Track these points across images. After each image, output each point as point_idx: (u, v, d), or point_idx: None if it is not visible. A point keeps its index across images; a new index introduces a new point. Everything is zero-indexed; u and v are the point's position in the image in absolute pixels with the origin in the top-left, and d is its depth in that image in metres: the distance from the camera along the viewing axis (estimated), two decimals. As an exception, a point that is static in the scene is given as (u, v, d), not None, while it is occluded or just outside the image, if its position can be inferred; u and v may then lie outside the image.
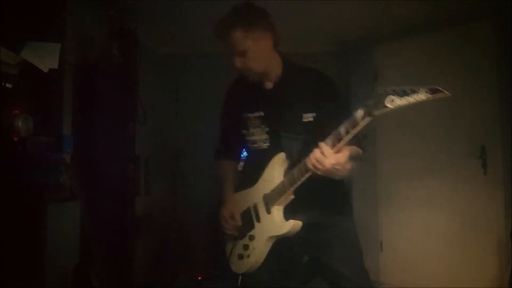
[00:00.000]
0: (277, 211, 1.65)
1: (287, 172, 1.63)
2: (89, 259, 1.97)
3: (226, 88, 1.91)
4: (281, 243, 1.69)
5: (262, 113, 1.73)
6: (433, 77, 3.17)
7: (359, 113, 1.33)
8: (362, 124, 1.33)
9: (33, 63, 1.56)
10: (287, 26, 3.36)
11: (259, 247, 1.69)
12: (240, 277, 1.78)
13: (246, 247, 1.74)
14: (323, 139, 1.44)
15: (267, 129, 1.73)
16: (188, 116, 3.97)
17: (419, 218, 3.37)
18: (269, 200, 1.67)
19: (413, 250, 3.34)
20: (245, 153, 1.94)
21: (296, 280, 2.93)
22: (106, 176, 2.51)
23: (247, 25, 1.61)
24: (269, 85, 1.74)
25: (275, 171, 1.67)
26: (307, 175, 1.52)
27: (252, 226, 1.73)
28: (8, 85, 1.45)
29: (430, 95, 1.19)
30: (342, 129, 1.39)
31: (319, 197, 1.69)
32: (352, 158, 1.48)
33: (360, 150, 1.60)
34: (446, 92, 1.18)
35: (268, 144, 1.73)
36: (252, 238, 1.72)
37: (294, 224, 1.60)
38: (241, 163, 1.98)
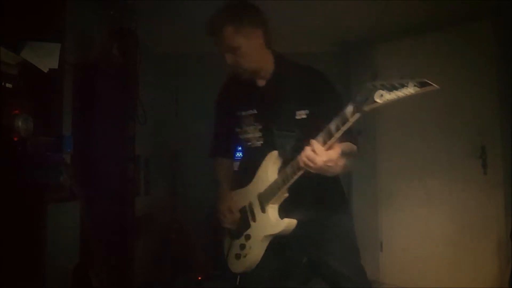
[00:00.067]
0: (272, 209, 1.64)
1: (281, 170, 1.62)
2: (89, 259, 1.97)
3: (219, 86, 1.91)
4: (279, 242, 1.69)
5: (255, 111, 1.73)
6: (433, 77, 3.16)
7: (349, 109, 1.32)
8: (352, 120, 1.33)
9: (33, 63, 1.56)
10: (288, 26, 3.38)
11: (255, 247, 1.69)
12: (238, 277, 1.78)
13: (242, 246, 1.74)
14: (316, 136, 1.44)
15: (260, 127, 1.72)
16: (188, 116, 3.97)
17: (419, 218, 3.37)
18: (263, 199, 1.66)
19: (413, 250, 3.35)
20: (240, 154, 1.94)
21: (296, 280, 2.93)
22: (106, 176, 2.51)
23: (238, 22, 1.60)
24: (261, 82, 1.74)
25: (269, 170, 1.66)
26: (300, 173, 1.51)
27: (248, 226, 1.73)
28: (8, 85, 1.45)
29: (418, 89, 1.17)
30: (332, 126, 1.38)
31: (314, 195, 1.68)
32: (345, 154, 1.47)
33: (354, 146, 1.59)
34: (435, 85, 1.16)
35: (262, 142, 1.73)
36: (248, 237, 1.72)
37: (289, 223, 1.60)
38: (237, 163, 1.98)
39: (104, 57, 2.65)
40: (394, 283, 3.45)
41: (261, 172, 1.70)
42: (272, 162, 1.66)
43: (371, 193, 3.72)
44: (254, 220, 1.71)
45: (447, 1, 2.82)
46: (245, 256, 1.72)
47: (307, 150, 1.43)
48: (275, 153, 1.66)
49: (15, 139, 1.42)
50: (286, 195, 1.62)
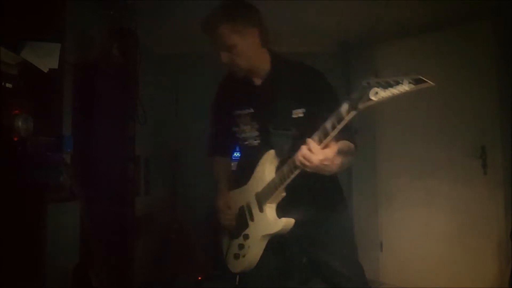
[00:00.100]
0: (270, 209, 1.64)
1: (278, 169, 1.62)
2: (89, 259, 1.97)
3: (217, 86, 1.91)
4: (277, 242, 1.69)
5: (252, 110, 1.73)
6: (433, 77, 3.16)
7: (344, 107, 1.32)
8: (347, 118, 1.32)
9: (33, 63, 1.56)
10: (287, 26, 3.38)
11: (253, 246, 1.69)
12: (237, 277, 1.78)
13: (241, 246, 1.74)
14: (312, 134, 1.43)
15: (257, 126, 1.72)
16: (188, 116, 3.97)
17: (419, 218, 3.37)
18: (261, 198, 1.66)
19: (413, 250, 3.35)
20: (237, 154, 1.94)
21: (296, 280, 2.93)
22: (106, 176, 2.51)
23: (234, 20, 1.60)
24: (258, 81, 1.74)
25: (266, 169, 1.66)
26: (297, 172, 1.50)
27: (246, 225, 1.73)
28: (8, 85, 1.45)
29: (413, 86, 1.16)
30: (328, 124, 1.37)
31: (311, 194, 1.68)
32: (342, 152, 1.46)
33: (351, 145, 1.58)
34: (430, 82, 1.15)
35: (259, 141, 1.73)
36: (246, 237, 1.72)
37: (286, 222, 1.60)
38: (235, 163, 1.98)
39: (104, 57, 2.65)
40: (394, 283, 3.45)
41: (258, 171, 1.70)
42: (269, 161, 1.66)
43: (371, 193, 3.72)
44: (252, 219, 1.71)
45: (447, 1, 2.82)
46: (243, 256, 1.72)
47: (303, 149, 1.42)
48: (272, 152, 1.65)
49: (15, 139, 1.42)
50: (284, 194, 1.61)
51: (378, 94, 1.22)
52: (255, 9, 1.68)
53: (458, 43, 3.17)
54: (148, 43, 3.42)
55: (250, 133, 1.74)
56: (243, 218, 1.74)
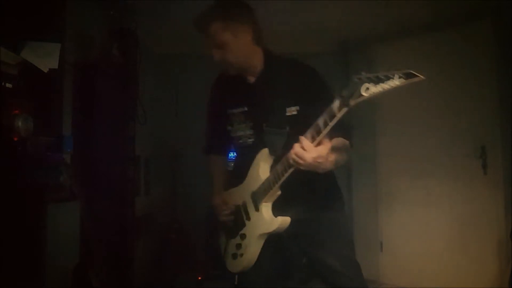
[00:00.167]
0: (266, 208, 1.63)
1: (273, 167, 1.61)
2: (89, 259, 1.97)
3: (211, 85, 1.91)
4: (274, 240, 1.68)
5: (245, 108, 1.72)
6: (433, 77, 3.16)
7: (336, 104, 1.31)
8: (339, 115, 1.31)
9: (33, 63, 1.56)
10: (287, 26, 3.38)
11: (251, 245, 1.68)
12: (236, 276, 1.78)
13: (238, 246, 1.73)
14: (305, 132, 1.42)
15: (251, 124, 1.71)
16: (188, 116, 3.97)
17: (419, 218, 3.37)
18: (257, 198, 1.66)
19: (413, 250, 3.35)
20: (233, 154, 1.94)
21: (296, 280, 2.93)
22: (106, 176, 2.51)
23: (226, 17, 1.60)
24: (251, 79, 1.73)
25: (260, 168, 1.65)
26: (291, 170, 1.49)
27: (243, 225, 1.72)
28: (8, 85, 1.45)
29: (404, 80, 1.16)
30: (320, 122, 1.36)
31: (307, 192, 1.68)
32: (337, 149, 1.45)
33: (346, 142, 1.57)
34: (421, 75, 1.14)
35: (253, 140, 1.72)
36: (243, 236, 1.72)
37: (282, 221, 1.59)
38: (232, 163, 1.98)
39: (104, 57, 2.65)
40: (394, 283, 3.45)
41: (253, 170, 1.69)
42: (264, 160, 1.65)
43: (371, 193, 3.72)
44: (248, 219, 1.70)
45: (447, 1, 2.82)
46: (241, 256, 1.72)
47: (296, 147, 1.41)
48: (265, 150, 1.65)
49: (15, 139, 1.42)
50: (279, 192, 1.61)
51: (369, 90, 1.21)
52: (248, 7, 1.68)
53: (458, 43, 3.17)
54: (148, 43, 3.42)
55: (244, 132, 1.74)
56: (240, 218, 1.74)
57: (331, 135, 1.41)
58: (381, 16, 3.19)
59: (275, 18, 3.04)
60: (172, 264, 3.55)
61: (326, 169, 1.45)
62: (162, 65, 3.98)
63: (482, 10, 2.99)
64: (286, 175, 1.52)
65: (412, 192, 3.43)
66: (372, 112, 3.66)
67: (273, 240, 1.67)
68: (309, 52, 3.68)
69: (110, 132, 2.64)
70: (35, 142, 1.51)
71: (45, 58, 1.60)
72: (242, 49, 1.64)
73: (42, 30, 1.66)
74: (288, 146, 1.48)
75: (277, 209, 1.63)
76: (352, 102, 1.26)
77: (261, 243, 1.66)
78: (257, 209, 1.66)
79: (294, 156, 1.42)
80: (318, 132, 1.37)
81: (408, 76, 1.15)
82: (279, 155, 1.58)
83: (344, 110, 1.29)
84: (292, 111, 1.63)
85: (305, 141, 1.40)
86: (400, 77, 1.16)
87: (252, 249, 1.68)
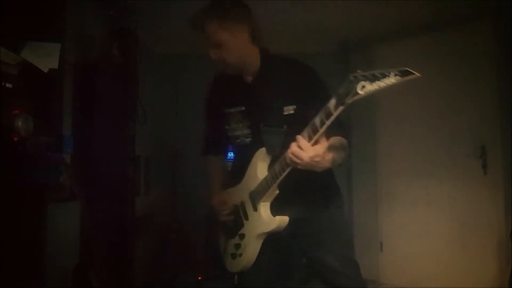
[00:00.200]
0: (264, 207, 1.63)
1: (270, 167, 1.60)
2: (89, 259, 1.98)
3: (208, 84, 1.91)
4: (273, 240, 1.68)
5: (243, 108, 1.71)
6: (433, 77, 3.17)
7: (332, 102, 1.30)
8: (336, 113, 1.30)
9: (33, 63, 1.56)
10: (287, 26, 3.38)
11: (250, 245, 1.68)
12: (236, 276, 1.78)
13: (237, 246, 1.73)
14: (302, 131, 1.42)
15: (248, 123, 1.71)
16: (188, 116, 3.96)
17: (419, 218, 3.37)
18: (255, 197, 1.65)
19: (413, 250, 3.34)
20: (231, 154, 1.94)
21: (296, 280, 2.93)
22: (106, 176, 2.51)
23: (222, 17, 1.60)
24: (248, 79, 1.72)
25: (258, 167, 1.65)
26: (288, 169, 1.49)
27: (241, 225, 1.72)
28: (8, 85, 1.45)
29: (400, 78, 1.15)
30: (317, 121, 1.36)
31: (305, 190, 1.67)
32: (334, 148, 1.45)
33: (344, 140, 1.55)
34: (416, 73, 1.14)
35: (251, 139, 1.72)
36: (242, 236, 1.71)
37: (280, 220, 1.59)
38: (230, 163, 1.97)
39: (104, 57, 2.65)
40: (394, 283, 3.45)
41: (250, 170, 1.69)
42: (261, 160, 1.65)
43: (371, 193, 3.72)
44: (246, 218, 1.70)
45: (447, 1, 2.82)
46: (240, 255, 1.71)
47: (293, 146, 1.41)
48: (263, 150, 1.64)
49: (15, 139, 1.42)
50: (277, 192, 1.60)
51: (365, 88, 1.21)
52: (245, 6, 1.67)
53: (458, 43, 3.17)
54: (148, 43, 3.42)
55: (241, 131, 1.73)
56: (238, 218, 1.74)
57: (329, 134, 1.40)
58: (381, 16, 3.19)
59: (275, 18, 3.04)
60: (172, 264, 3.55)
61: (323, 168, 1.45)
62: (162, 65, 3.98)
63: (482, 10, 2.99)
64: (284, 174, 1.51)
65: (412, 192, 3.43)
66: (372, 112, 3.66)
67: (272, 239, 1.67)
68: (309, 52, 3.67)
69: (110, 132, 2.64)
70: (35, 142, 1.51)
71: (45, 58, 1.60)
72: (239, 49, 1.64)
73: (42, 30, 1.66)
74: (286, 145, 1.47)
75: (275, 209, 1.63)
76: (348, 101, 1.25)
77: (259, 242, 1.66)
78: (255, 208, 1.66)
79: (291, 156, 1.42)
80: (315, 131, 1.37)
81: (403, 73, 1.15)
82: (277, 154, 1.57)
83: (341, 108, 1.29)
84: (289, 110, 1.63)
85: (302, 140, 1.40)
86: (396, 75, 1.16)
87: (251, 249, 1.67)
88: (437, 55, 3.24)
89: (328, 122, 1.33)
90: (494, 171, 3.01)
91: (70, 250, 2.22)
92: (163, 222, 3.72)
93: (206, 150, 1.97)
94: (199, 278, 3.49)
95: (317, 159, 1.40)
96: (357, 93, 1.22)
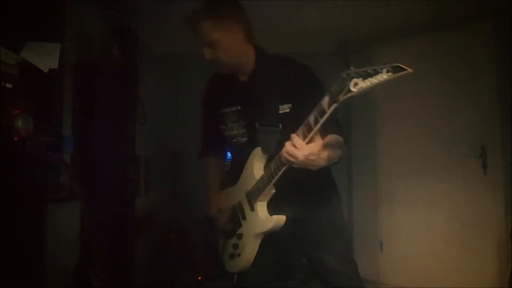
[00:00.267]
0: (261, 207, 1.63)
1: (266, 166, 1.60)
2: (89, 259, 1.97)
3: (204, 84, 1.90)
4: (271, 240, 1.67)
5: (238, 107, 1.72)
6: (433, 77, 3.17)
7: (325, 100, 1.30)
8: (329, 111, 1.30)
9: (33, 63, 1.56)
10: (287, 26, 3.38)
11: (248, 245, 1.68)
12: (235, 276, 1.77)
13: (235, 246, 1.73)
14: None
15: (244, 123, 1.71)
16: (188, 116, 3.96)
17: (419, 218, 3.37)
18: (251, 197, 1.65)
19: (413, 250, 3.34)
20: (229, 154, 1.93)
21: (296, 280, 2.93)
22: (106, 176, 2.51)
23: (217, 16, 1.59)
24: (243, 78, 1.72)
25: (254, 167, 1.65)
26: (284, 168, 1.48)
27: (239, 225, 1.72)
28: (8, 85, 1.45)
29: (392, 74, 1.15)
30: (311, 119, 1.35)
31: (302, 189, 1.67)
32: (330, 146, 1.44)
33: (340, 138, 1.55)
34: (409, 69, 1.14)
35: (247, 138, 1.71)
36: (240, 236, 1.71)
37: (277, 220, 1.58)
38: (229, 163, 1.97)
39: (104, 57, 2.65)
40: (394, 283, 3.45)
41: (247, 169, 1.69)
42: (257, 159, 1.65)
43: (371, 193, 3.71)
44: (244, 218, 1.70)
45: (447, 1, 2.82)
46: (239, 256, 1.71)
47: (288, 145, 1.41)
48: (258, 149, 1.64)
49: (15, 139, 1.42)
50: (273, 191, 1.60)
51: (358, 85, 1.20)
52: (239, 5, 1.67)
53: (458, 43, 3.17)
54: (148, 43, 3.42)
55: (237, 131, 1.73)
56: (236, 218, 1.74)
57: (324, 132, 1.40)
58: (381, 16, 3.18)
59: (275, 18, 3.04)
60: (172, 264, 3.55)
61: (318, 166, 1.44)
62: (162, 65, 3.98)
63: (482, 10, 2.99)
64: (280, 173, 1.51)
65: (412, 192, 3.43)
66: (372, 112, 3.66)
67: (271, 240, 1.67)
68: (309, 52, 3.68)
69: (110, 132, 2.64)
70: (35, 142, 1.51)
71: (45, 58, 1.60)
72: (233, 48, 1.63)
73: (42, 30, 1.66)
74: (282, 144, 1.47)
75: (272, 208, 1.63)
76: (341, 98, 1.25)
77: (257, 242, 1.66)
78: (252, 208, 1.65)
79: (285, 154, 1.41)
80: (309, 129, 1.36)
81: (395, 69, 1.15)
82: (273, 153, 1.57)
83: (334, 106, 1.28)
84: (284, 109, 1.62)
85: (296, 138, 1.39)
86: (388, 71, 1.15)
87: (249, 248, 1.67)
88: (437, 55, 3.24)
89: (322, 120, 1.32)
90: (494, 171, 3.01)
91: (70, 250, 2.22)
92: (163, 222, 3.72)
93: (204, 152, 1.96)
94: (199, 278, 3.49)
95: (312, 157, 1.39)
96: (350, 90, 1.22)
